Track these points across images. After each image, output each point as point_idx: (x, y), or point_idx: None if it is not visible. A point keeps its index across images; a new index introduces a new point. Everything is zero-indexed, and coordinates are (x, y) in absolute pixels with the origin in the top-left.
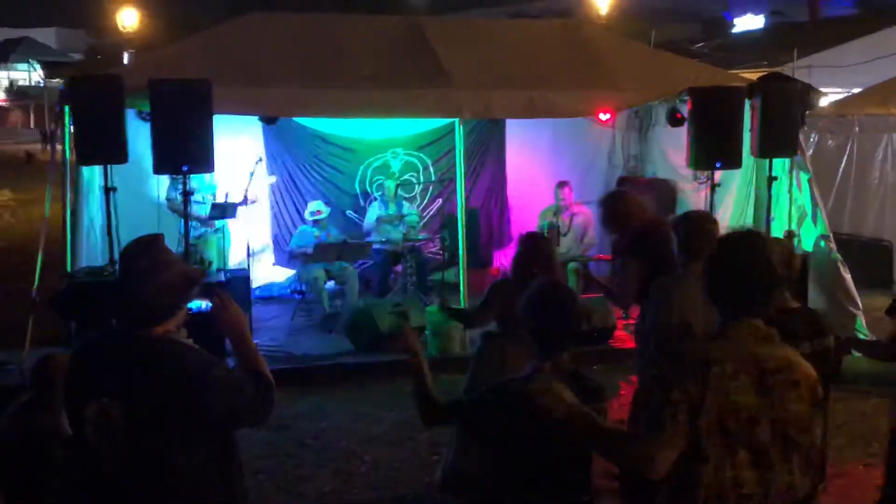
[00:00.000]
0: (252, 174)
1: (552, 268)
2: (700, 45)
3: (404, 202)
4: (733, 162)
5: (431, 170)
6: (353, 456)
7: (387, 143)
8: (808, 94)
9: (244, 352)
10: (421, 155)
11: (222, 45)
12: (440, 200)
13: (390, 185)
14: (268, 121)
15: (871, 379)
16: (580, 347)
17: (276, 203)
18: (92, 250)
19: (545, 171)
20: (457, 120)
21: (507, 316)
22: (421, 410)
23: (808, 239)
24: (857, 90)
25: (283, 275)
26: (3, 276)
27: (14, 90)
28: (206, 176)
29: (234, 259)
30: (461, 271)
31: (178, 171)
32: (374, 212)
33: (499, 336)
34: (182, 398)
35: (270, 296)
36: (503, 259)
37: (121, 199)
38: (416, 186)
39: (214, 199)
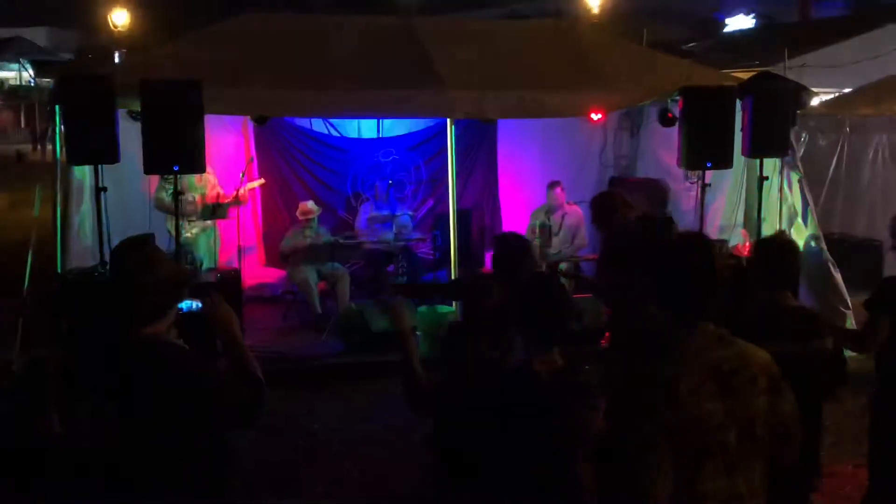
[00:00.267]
0: (244, 174)
1: (527, 266)
2: (692, 44)
3: (396, 202)
4: (724, 162)
5: (423, 170)
6: (345, 456)
7: (379, 144)
8: (799, 93)
9: (235, 352)
10: (413, 155)
11: (213, 45)
12: (432, 201)
13: (382, 185)
14: (259, 121)
15: (861, 378)
16: (571, 347)
17: (268, 203)
18: (83, 250)
19: (537, 171)
20: (448, 120)
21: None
22: (406, 388)
23: (799, 239)
24: (848, 90)
25: (274, 275)
26: None
27: (4, 90)
28: (197, 176)
29: (224, 259)
30: (453, 271)
31: (168, 171)
32: (365, 212)
33: (462, 325)
34: (173, 398)
35: (262, 296)
36: None
37: (111, 199)
38: (408, 186)
39: (205, 199)
